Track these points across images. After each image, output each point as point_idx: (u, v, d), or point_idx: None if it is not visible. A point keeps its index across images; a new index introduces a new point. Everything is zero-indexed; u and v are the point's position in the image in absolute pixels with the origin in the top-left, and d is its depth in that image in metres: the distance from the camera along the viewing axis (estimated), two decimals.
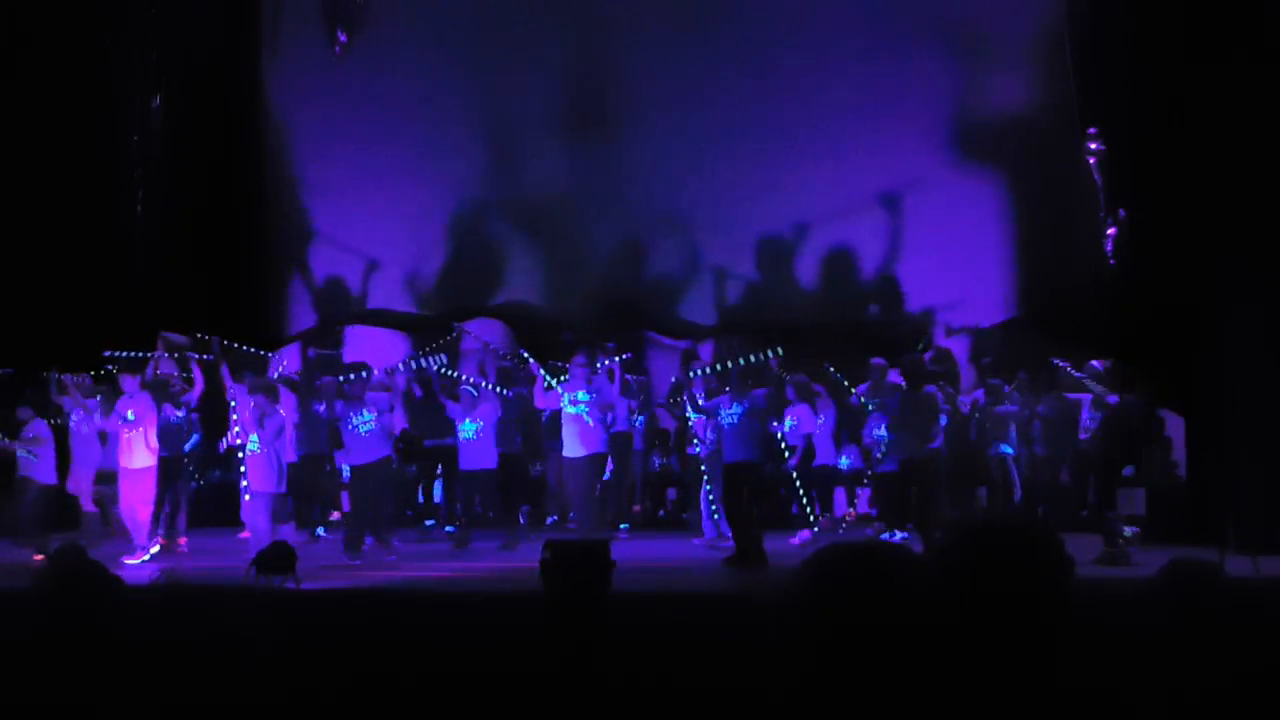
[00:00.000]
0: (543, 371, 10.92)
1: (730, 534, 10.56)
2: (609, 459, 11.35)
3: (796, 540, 11.33)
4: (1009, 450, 12.01)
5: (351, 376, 11.87)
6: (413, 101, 15.67)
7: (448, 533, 12.48)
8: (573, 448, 10.35)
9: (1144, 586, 3.49)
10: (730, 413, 10.29)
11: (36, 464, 10.97)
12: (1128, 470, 12.31)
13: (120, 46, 13.98)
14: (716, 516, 11.47)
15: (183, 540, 11.79)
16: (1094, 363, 10.69)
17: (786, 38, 14.87)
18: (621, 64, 15.33)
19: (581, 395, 10.33)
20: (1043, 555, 1.96)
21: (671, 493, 14.40)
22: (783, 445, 11.54)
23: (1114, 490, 10.55)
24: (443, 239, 16.07)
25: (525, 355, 11.08)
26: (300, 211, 16.29)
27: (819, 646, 1.76)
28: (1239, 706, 2.87)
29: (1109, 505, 10.39)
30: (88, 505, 11.51)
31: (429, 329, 15.63)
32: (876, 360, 12.76)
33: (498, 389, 12.04)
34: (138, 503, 10.67)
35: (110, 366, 11.34)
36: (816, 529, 11.45)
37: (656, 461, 14.27)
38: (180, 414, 11.88)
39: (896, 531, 10.93)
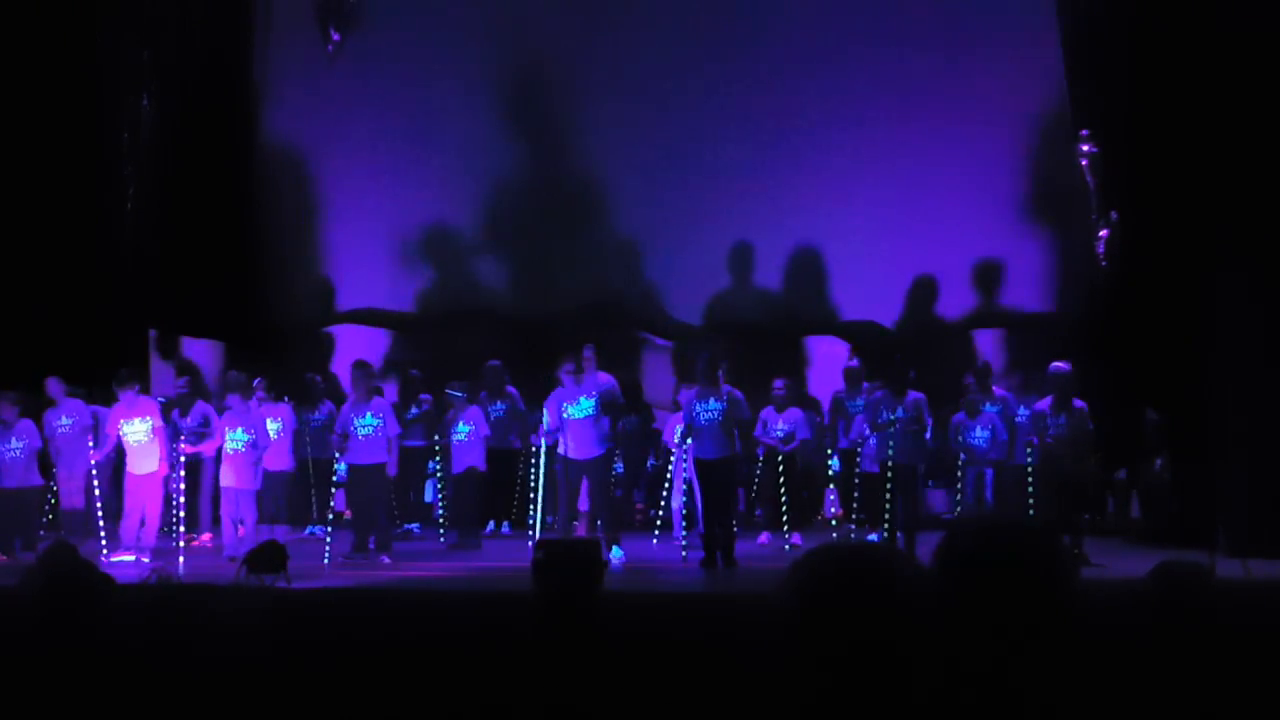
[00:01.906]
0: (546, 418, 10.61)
1: (700, 532, 10.52)
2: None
3: (796, 539, 11.37)
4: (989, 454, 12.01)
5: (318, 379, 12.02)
6: (405, 101, 15.66)
7: (411, 530, 12.74)
8: (583, 449, 10.30)
9: (1134, 589, 3.50)
10: (707, 409, 10.25)
11: (20, 465, 10.97)
12: (1120, 474, 12.35)
13: (111, 44, 13.91)
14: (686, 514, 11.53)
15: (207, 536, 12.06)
16: (1057, 364, 10.59)
17: (771, 39, 14.92)
18: (614, 61, 15.33)
19: (585, 401, 10.28)
20: (1045, 557, 1.96)
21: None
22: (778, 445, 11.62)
23: (1080, 493, 10.54)
24: (431, 238, 16.04)
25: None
26: (291, 210, 16.25)
27: (811, 648, 1.76)
28: (1229, 708, 2.88)
29: (1075, 507, 10.38)
30: (77, 503, 11.50)
31: (417, 330, 15.66)
32: (852, 363, 12.81)
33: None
34: (141, 507, 10.68)
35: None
36: (786, 530, 11.48)
37: (650, 463, 14.25)
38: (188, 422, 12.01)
39: (873, 532, 10.95)
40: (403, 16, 15.82)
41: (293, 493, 12.47)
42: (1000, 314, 14.84)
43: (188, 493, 11.92)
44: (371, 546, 10.51)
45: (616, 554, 10.08)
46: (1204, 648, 3.16)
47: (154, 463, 10.72)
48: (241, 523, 10.62)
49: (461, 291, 16.00)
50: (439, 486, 13.22)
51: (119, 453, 11.09)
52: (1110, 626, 3.03)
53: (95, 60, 13.62)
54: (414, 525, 12.94)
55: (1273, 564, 8.79)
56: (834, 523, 12.32)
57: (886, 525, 10.59)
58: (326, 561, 10.12)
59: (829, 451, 12.34)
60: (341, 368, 14.86)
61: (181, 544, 10.05)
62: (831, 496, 12.82)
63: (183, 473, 10.69)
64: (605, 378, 10.79)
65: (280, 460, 11.73)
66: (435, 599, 8.05)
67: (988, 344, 14.48)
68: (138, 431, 10.73)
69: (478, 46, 15.65)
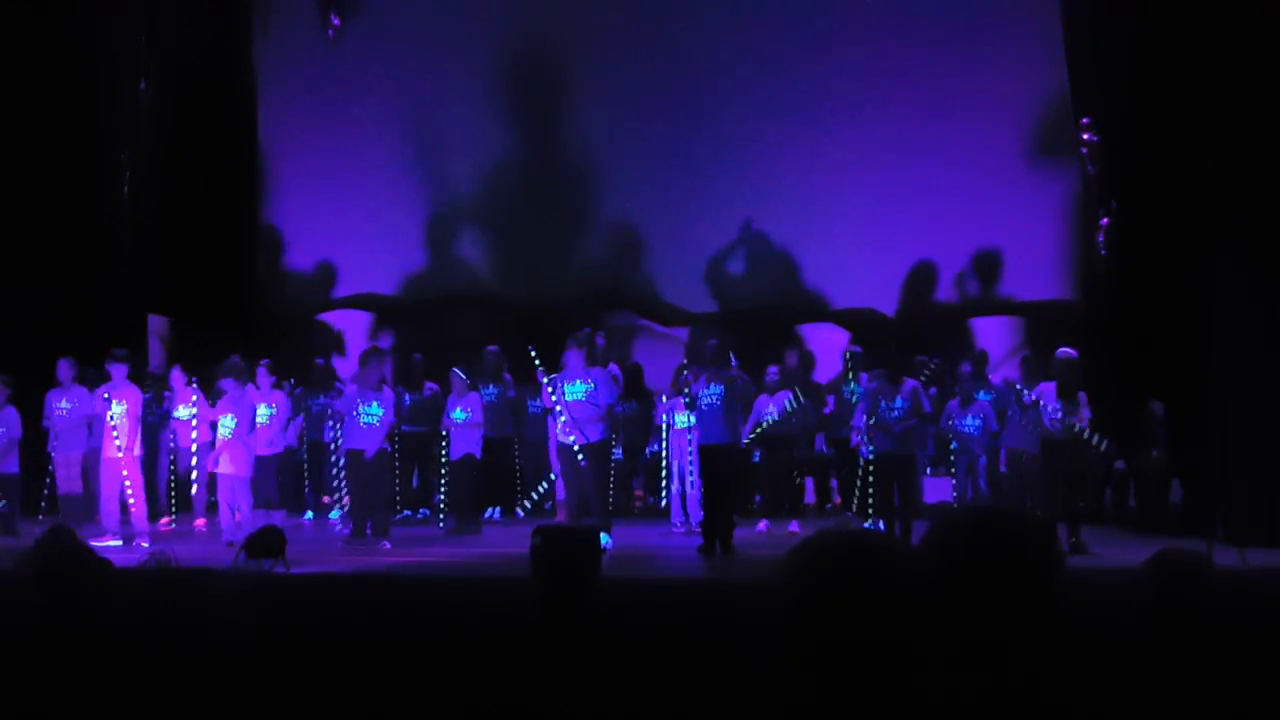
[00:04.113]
0: (545, 380, 10.56)
1: (699, 519, 10.52)
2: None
3: (793, 527, 11.41)
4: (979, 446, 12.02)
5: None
6: (402, 86, 15.63)
7: (419, 517, 12.85)
8: (579, 434, 10.29)
9: (1132, 578, 3.51)
10: (709, 394, 10.24)
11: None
12: (1120, 465, 12.36)
13: (109, 26, 13.87)
14: (685, 503, 11.58)
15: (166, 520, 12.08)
16: (1064, 350, 10.58)
17: (772, 26, 14.88)
18: (614, 45, 15.30)
19: (580, 385, 10.24)
20: (1031, 544, 1.96)
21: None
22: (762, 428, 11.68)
23: (1080, 481, 10.53)
24: (429, 224, 16.03)
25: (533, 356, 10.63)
26: (289, 194, 16.23)
27: (807, 634, 1.76)
28: (1226, 697, 2.88)
29: (1074, 495, 10.38)
30: (75, 488, 11.50)
31: (411, 315, 15.66)
32: (854, 349, 12.80)
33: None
34: (116, 490, 10.67)
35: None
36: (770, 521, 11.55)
37: (649, 450, 14.26)
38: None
39: (866, 521, 10.94)
40: (402, 1, 15.78)
41: (288, 478, 12.53)
42: (1000, 302, 14.85)
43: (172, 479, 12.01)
44: (369, 532, 10.52)
45: (604, 540, 10.09)
46: (1201, 637, 3.16)
47: (126, 446, 10.70)
48: (238, 509, 10.63)
49: (460, 277, 16.00)
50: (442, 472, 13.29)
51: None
52: (1107, 615, 3.03)
53: (93, 43, 13.57)
54: (425, 510, 13.04)
55: (1270, 553, 8.81)
56: (829, 510, 12.37)
57: (872, 512, 10.61)
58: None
59: (844, 437, 12.36)
60: (338, 353, 14.88)
61: (173, 527, 10.07)
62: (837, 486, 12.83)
63: (193, 458, 10.71)
64: (611, 366, 10.81)
65: (273, 444, 11.76)
66: (434, 584, 8.05)
67: (987, 331, 14.49)
68: (113, 413, 10.70)
69: (477, 31, 15.61)
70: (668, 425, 11.95)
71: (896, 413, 10.23)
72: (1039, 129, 14.33)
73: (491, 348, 12.94)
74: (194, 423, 12.07)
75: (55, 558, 3.02)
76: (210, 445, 11.69)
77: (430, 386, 12.95)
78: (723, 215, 15.21)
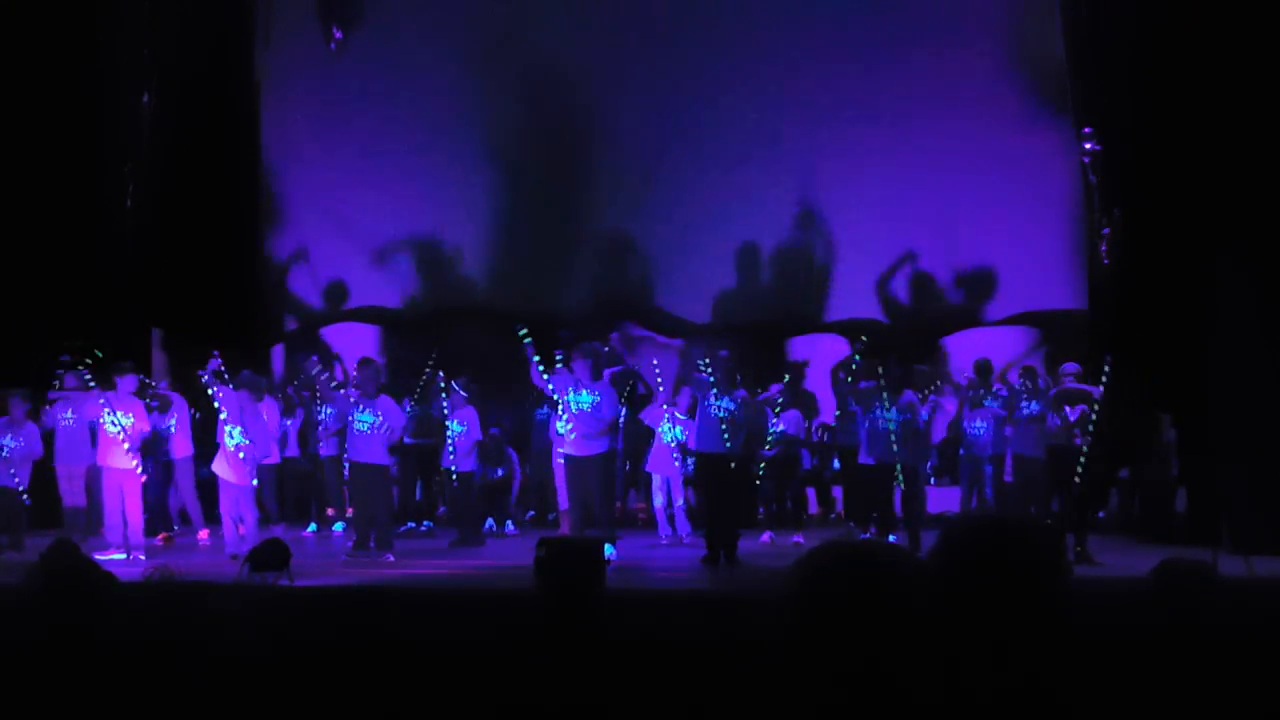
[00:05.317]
0: (535, 359, 10.18)
1: (701, 530, 10.51)
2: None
3: (798, 539, 11.40)
4: (985, 452, 12.03)
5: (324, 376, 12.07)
6: (407, 98, 15.65)
7: (423, 529, 12.77)
8: (586, 446, 10.21)
9: (1137, 587, 3.50)
10: (720, 405, 10.20)
11: (9, 463, 10.98)
12: (1124, 473, 12.36)
13: (112, 41, 13.90)
14: (672, 514, 11.58)
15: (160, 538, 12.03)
16: (1069, 365, 10.67)
17: (772, 36, 14.90)
18: (616, 57, 15.33)
19: (586, 395, 10.21)
20: (1040, 556, 1.96)
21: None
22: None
23: (1090, 489, 10.55)
24: (432, 235, 16.05)
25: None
26: (292, 207, 16.26)
27: (813, 645, 1.76)
28: (1231, 707, 2.88)
29: (1084, 504, 10.39)
30: (79, 501, 11.51)
31: (415, 327, 15.65)
32: (858, 360, 12.80)
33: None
34: (117, 503, 10.67)
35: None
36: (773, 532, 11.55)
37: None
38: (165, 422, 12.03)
39: (861, 531, 10.95)
40: (404, 14, 15.82)
41: (289, 490, 12.54)
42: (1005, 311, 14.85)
43: (158, 491, 11.98)
44: (372, 545, 10.51)
45: (609, 552, 10.07)
46: (1206, 646, 3.16)
47: (128, 458, 10.70)
48: (241, 521, 10.62)
49: (461, 288, 16.01)
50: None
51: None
52: (1112, 625, 3.03)
53: (96, 57, 13.60)
54: (429, 523, 13.03)
55: (1276, 561, 8.79)
56: (833, 520, 12.37)
57: (867, 522, 10.62)
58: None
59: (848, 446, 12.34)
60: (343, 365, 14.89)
61: (173, 542, 10.06)
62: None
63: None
64: (606, 374, 10.82)
65: (269, 455, 11.78)
66: (439, 597, 8.05)
67: (992, 341, 14.47)
68: (117, 424, 10.70)
69: (479, 44, 15.65)
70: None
71: (891, 424, 10.25)
72: (1041, 139, 14.31)
73: (494, 430, 12.75)
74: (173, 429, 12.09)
75: (60, 572, 3.02)
76: (191, 458, 11.80)
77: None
78: (723, 225, 15.21)
